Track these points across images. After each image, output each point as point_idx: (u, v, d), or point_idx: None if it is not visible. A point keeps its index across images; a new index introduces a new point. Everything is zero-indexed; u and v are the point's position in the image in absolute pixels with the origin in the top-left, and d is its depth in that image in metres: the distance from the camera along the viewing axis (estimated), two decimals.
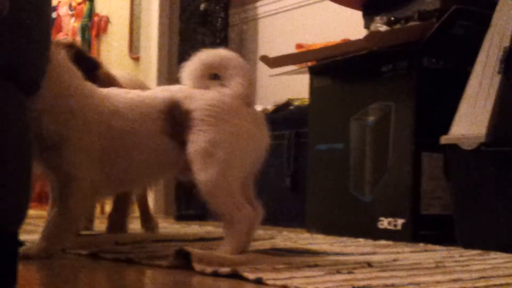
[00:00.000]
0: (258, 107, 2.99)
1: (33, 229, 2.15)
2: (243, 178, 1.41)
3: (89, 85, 1.47)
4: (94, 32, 4.18)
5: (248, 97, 1.43)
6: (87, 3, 4.26)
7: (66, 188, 1.41)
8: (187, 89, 1.44)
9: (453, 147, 1.87)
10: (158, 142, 1.43)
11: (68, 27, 4.30)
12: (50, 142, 1.39)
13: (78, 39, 4.21)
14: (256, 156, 1.43)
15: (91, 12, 4.24)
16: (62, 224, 1.42)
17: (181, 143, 1.40)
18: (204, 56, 1.43)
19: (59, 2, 4.32)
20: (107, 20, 4.18)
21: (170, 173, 1.53)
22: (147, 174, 1.50)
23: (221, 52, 1.45)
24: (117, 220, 2.02)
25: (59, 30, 4.32)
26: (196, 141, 1.37)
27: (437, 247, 1.80)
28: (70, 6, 4.33)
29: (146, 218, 2.18)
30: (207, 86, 1.43)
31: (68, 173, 1.40)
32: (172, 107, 1.42)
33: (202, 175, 1.36)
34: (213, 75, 1.46)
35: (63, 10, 4.34)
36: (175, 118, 1.41)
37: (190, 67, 1.43)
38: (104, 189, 1.48)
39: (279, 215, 2.63)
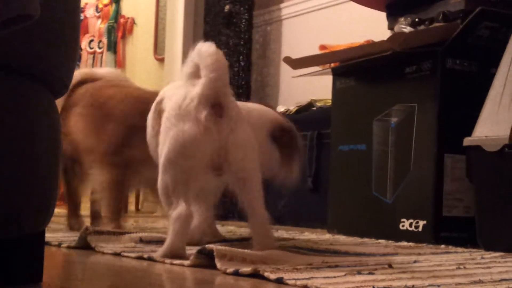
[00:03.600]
0: (281, 108, 3.01)
1: (56, 227, 2.19)
2: (183, 179, 1.40)
3: None
4: (120, 34, 4.22)
5: (209, 96, 1.39)
6: (114, 4, 4.31)
7: None
8: (172, 89, 1.51)
9: (477, 149, 1.86)
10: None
11: (94, 28, 4.35)
12: None
13: (105, 40, 4.26)
14: (196, 159, 1.40)
15: (117, 14, 4.28)
16: None
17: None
18: (192, 53, 1.44)
19: (86, 4, 4.38)
20: (133, 22, 4.23)
21: None
22: None
23: (201, 48, 1.42)
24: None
25: (86, 31, 4.37)
26: (161, 143, 1.45)
27: (458, 249, 1.80)
28: (96, 8, 4.38)
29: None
30: (192, 85, 1.44)
31: None
32: (156, 104, 1.54)
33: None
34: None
35: (89, 12, 4.39)
36: (157, 115, 1.52)
37: (186, 65, 1.47)
38: None
39: (301, 216, 2.64)
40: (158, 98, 1.54)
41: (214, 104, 1.39)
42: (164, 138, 1.42)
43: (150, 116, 1.58)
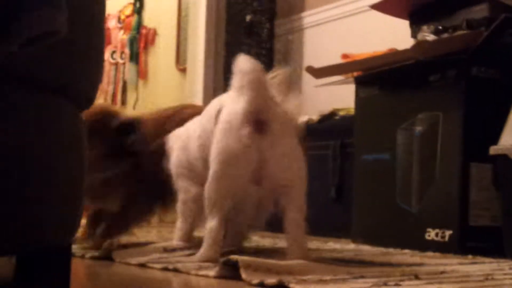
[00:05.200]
0: (304, 118, 3.00)
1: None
2: (224, 194, 1.48)
3: None
4: (142, 44, 4.25)
5: (252, 114, 1.44)
6: (136, 15, 4.34)
7: None
8: (229, 99, 1.53)
9: (503, 158, 1.83)
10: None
11: (116, 39, 4.38)
12: None
13: (127, 51, 4.29)
14: (238, 175, 1.47)
15: (139, 25, 4.31)
16: None
17: None
18: (239, 70, 1.48)
19: (108, 15, 4.42)
20: (155, 33, 4.26)
21: None
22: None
23: (239, 64, 1.47)
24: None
25: (108, 42, 4.41)
26: (212, 152, 1.51)
27: (485, 259, 1.77)
28: (118, 19, 4.42)
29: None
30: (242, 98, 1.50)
31: None
32: (217, 112, 1.55)
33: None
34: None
35: (112, 23, 4.43)
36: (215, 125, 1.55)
37: (233, 79, 1.51)
38: None
39: (324, 226, 2.62)
40: (217, 107, 1.57)
41: (257, 121, 1.44)
42: (214, 150, 1.49)
43: (207, 121, 1.61)
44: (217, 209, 1.47)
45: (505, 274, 1.43)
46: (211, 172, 1.48)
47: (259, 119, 1.45)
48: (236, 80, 1.48)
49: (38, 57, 0.98)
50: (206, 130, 1.60)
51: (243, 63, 1.46)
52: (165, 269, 1.44)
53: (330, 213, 2.69)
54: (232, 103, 1.49)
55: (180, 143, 1.78)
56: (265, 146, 1.44)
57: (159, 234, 2.64)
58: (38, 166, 0.98)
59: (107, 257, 1.63)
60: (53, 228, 1.02)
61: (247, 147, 1.44)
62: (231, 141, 1.45)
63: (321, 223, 2.72)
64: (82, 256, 1.68)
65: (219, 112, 1.54)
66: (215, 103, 1.61)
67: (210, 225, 1.47)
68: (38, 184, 0.98)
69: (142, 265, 1.50)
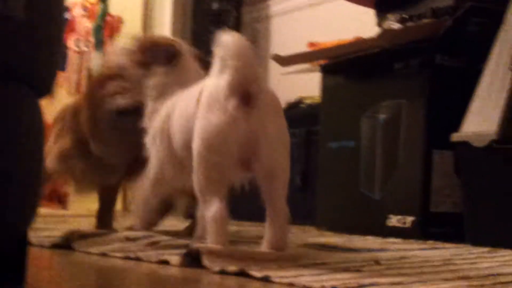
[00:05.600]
0: None
1: (42, 227, 2.17)
2: (215, 175, 1.33)
3: None
4: (107, 33, 4.20)
5: (236, 87, 1.29)
6: (101, 3, 4.28)
7: None
8: (211, 79, 1.38)
9: (464, 145, 1.86)
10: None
11: (81, 27, 4.33)
12: None
13: (92, 39, 4.23)
14: (227, 150, 1.31)
15: (104, 13, 4.26)
16: None
17: None
18: (220, 45, 1.34)
19: (74, 3, 4.35)
20: (120, 21, 4.20)
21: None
22: None
23: (223, 39, 1.33)
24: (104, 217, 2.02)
25: (73, 30, 4.35)
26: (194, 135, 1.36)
27: (446, 244, 1.80)
28: (83, 7, 4.35)
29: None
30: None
31: None
32: (199, 95, 1.39)
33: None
34: None
35: (76, 11, 4.36)
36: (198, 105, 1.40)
37: (215, 57, 1.37)
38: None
39: (289, 213, 2.63)
40: (198, 89, 1.42)
41: (243, 93, 1.29)
42: (197, 129, 1.34)
43: (190, 107, 1.43)
44: (212, 193, 1.31)
45: (463, 259, 1.45)
46: (195, 154, 1.33)
47: (246, 91, 1.29)
48: (218, 54, 1.34)
49: None
50: (188, 113, 1.44)
51: (226, 37, 1.31)
52: (127, 258, 1.42)
53: (295, 201, 2.69)
54: (215, 79, 1.35)
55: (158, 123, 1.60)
56: (254, 122, 1.29)
57: (122, 223, 2.62)
58: None
59: (66, 245, 1.61)
60: (10, 214, 1.00)
61: (236, 120, 1.28)
62: (216, 115, 1.29)
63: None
64: (41, 246, 1.65)
65: (201, 93, 1.39)
66: (195, 87, 1.47)
67: (209, 213, 1.30)
68: None
69: (104, 254, 1.49)
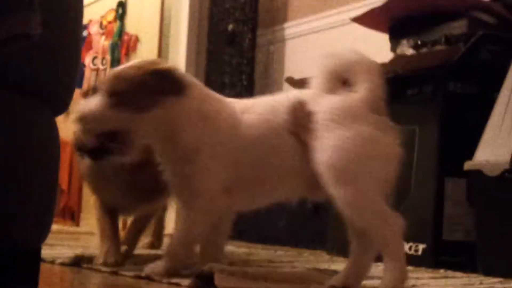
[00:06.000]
0: None
1: (55, 243, 2.18)
2: (380, 189, 1.36)
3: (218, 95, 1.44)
4: (123, 51, 4.23)
5: (374, 103, 1.31)
6: (118, 22, 4.33)
7: (189, 203, 1.38)
8: (315, 92, 1.35)
9: (477, 173, 1.85)
10: (284, 144, 1.35)
11: (98, 45, 4.36)
12: (183, 153, 1.35)
13: (108, 57, 4.27)
14: (386, 164, 1.34)
15: (121, 31, 4.30)
16: (183, 241, 1.41)
17: (304, 148, 1.33)
18: (331, 60, 1.35)
19: (90, 20, 4.39)
20: (137, 39, 4.24)
21: (295, 185, 1.43)
22: (276, 186, 1.41)
23: (348, 55, 1.35)
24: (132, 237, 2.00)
25: (90, 48, 4.39)
26: (322, 149, 1.29)
27: (457, 273, 1.78)
28: (100, 25, 4.40)
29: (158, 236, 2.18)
30: (335, 91, 1.33)
31: (194, 188, 1.35)
32: (296, 107, 1.35)
33: (342, 193, 1.35)
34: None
35: (93, 29, 4.40)
36: (298, 119, 1.34)
37: (317, 72, 1.36)
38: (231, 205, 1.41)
39: (301, 237, 2.62)
40: (289, 103, 1.36)
41: (377, 110, 1.32)
42: (335, 142, 1.29)
43: (278, 124, 1.35)
44: (382, 206, 1.36)
45: None
46: (344, 169, 1.28)
47: (378, 107, 1.31)
48: (326, 75, 1.33)
49: (10, 60, 0.97)
50: (273, 127, 1.35)
51: (347, 52, 1.33)
52: (137, 277, 1.43)
53: (307, 225, 2.69)
54: (326, 97, 1.32)
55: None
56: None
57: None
58: (8, 169, 0.97)
59: (76, 263, 1.61)
60: (23, 230, 1.01)
61: (391, 133, 1.30)
62: (365, 126, 1.28)
63: (298, 234, 2.72)
64: (52, 262, 1.66)
65: (299, 104, 1.33)
66: (278, 98, 1.40)
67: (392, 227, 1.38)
68: (8, 187, 0.97)
69: (114, 273, 1.49)
